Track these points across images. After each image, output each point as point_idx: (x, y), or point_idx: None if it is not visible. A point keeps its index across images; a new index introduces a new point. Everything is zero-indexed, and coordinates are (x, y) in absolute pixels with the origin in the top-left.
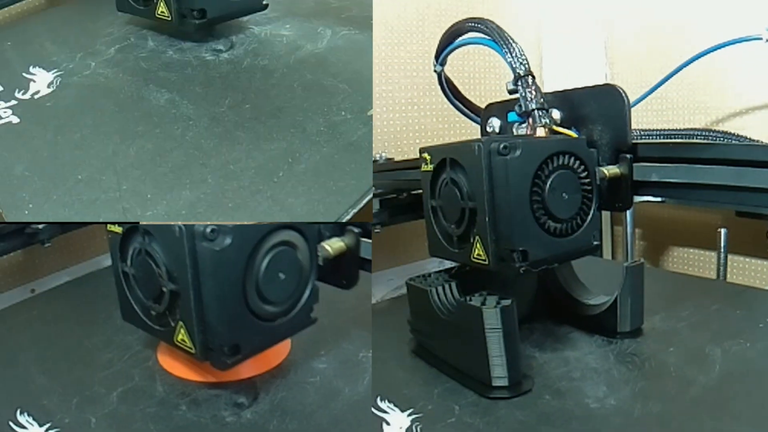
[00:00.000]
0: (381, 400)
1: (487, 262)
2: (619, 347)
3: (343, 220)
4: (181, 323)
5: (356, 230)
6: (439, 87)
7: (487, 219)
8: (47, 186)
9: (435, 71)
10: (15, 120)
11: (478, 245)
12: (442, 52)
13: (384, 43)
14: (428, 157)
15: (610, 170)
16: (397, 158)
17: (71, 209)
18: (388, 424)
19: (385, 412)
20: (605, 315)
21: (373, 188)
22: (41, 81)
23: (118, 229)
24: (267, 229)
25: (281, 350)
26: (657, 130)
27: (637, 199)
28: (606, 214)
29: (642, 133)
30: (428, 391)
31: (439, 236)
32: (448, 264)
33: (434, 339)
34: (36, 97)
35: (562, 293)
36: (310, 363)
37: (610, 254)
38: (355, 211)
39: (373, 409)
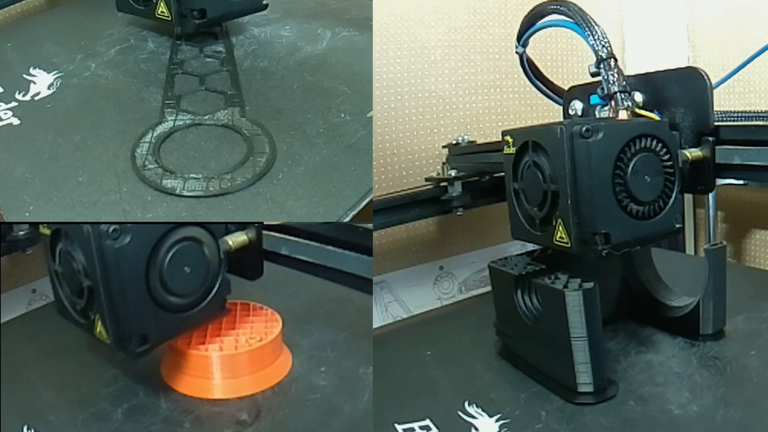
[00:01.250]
0: (469, 404)
1: (569, 245)
2: (701, 350)
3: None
4: (98, 316)
5: (257, 224)
6: (521, 69)
7: (569, 202)
8: (48, 188)
9: (517, 52)
10: (16, 122)
11: (560, 228)
12: (523, 34)
13: (466, 26)
14: (510, 140)
15: (693, 153)
16: (479, 141)
17: (72, 211)
18: (476, 429)
19: (473, 417)
20: (688, 317)
21: (372, 190)
22: (42, 82)
23: (47, 231)
24: (168, 226)
25: (283, 367)
26: (739, 112)
27: (720, 181)
28: (688, 197)
29: (724, 115)
30: (515, 396)
31: (521, 219)
32: (531, 247)
33: (519, 340)
34: (36, 98)
35: (645, 294)
36: (310, 379)
37: (693, 236)
38: (354, 213)
39: (460, 413)
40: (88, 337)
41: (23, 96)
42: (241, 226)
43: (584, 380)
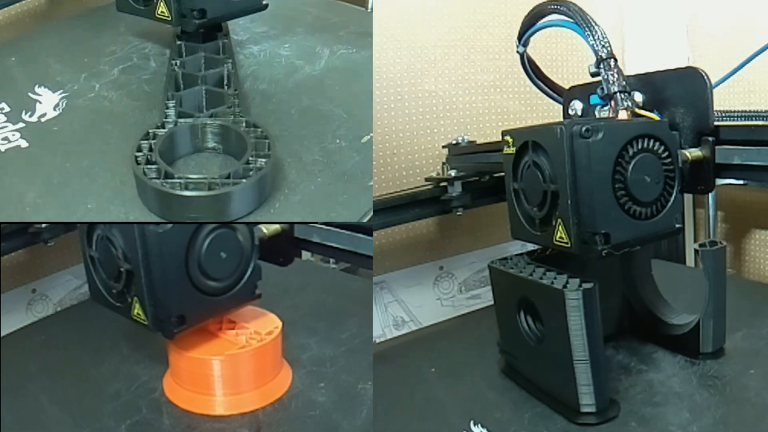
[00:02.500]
0: (474, 424)
1: (569, 245)
2: (701, 369)
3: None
4: (136, 298)
5: None
6: (521, 69)
7: (569, 202)
8: (59, 214)
9: (517, 52)
10: (24, 144)
11: (560, 228)
12: (524, 34)
13: (466, 26)
14: (510, 140)
15: (692, 153)
16: (479, 141)
17: None
18: None
19: None
20: (688, 335)
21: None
22: (47, 103)
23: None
24: None
25: (283, 382)
26: (739, 111)
27: (720, 181)
28: (688, 197)
29: (724, 114)
30: (519, 416)
31: (521, 219)
32: (531, 247)
33: (522, 360)
34: (43, 120)
35: (645, 311)
36: (310, 395)
37: (693, 236)
38: None
39: None
40: (90, 351)
41: (30, 117)
42: None
43: (587, 401)
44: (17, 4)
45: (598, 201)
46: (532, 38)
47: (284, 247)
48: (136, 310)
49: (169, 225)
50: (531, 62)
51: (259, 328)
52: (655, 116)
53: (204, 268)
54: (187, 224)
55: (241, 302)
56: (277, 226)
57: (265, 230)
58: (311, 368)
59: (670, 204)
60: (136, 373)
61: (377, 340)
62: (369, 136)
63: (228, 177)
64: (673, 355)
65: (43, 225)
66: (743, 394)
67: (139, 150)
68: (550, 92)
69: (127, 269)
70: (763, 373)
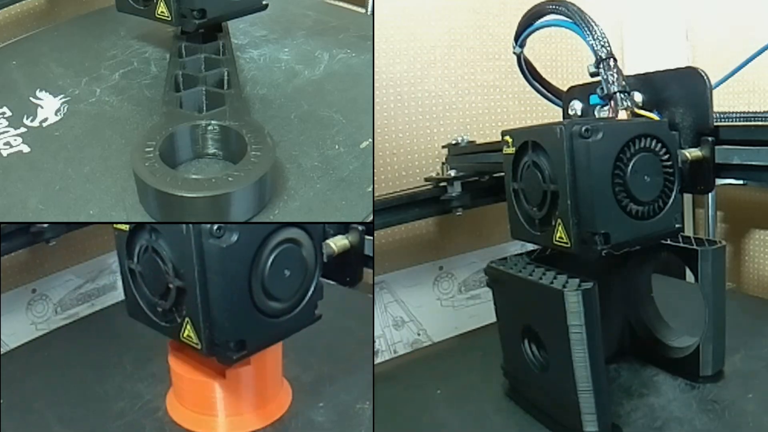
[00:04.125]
0: None
1: (569, 245)
2: (701, 393)
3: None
4: (187, 319)
5: (360, 228)
6: (519, 70)
7: (569, 202)
8: (60, 220)
9: (514, 53)
10: (26, 149)
11: (560, 228)
12: (521, 34)
13: (466, 26)
14: (510, 140)
15: (692, 153)
16: (479, 141)
17: None
18: None
19: None
20: (688, 359)
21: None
22: (48, 107)
23: (125, 227)
24: (273, 227)
25: (283, 402)
26: (738, 112)
27: (719, 181)
28: (688, 197)
29: (723, 115)
30: None
31: (520, 219)
32: (530, 247)
33: (526, 384)
34: (45, 125)
35: (646, 333)
36: (309, 415)
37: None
38: None
39: None
40: (94, 368)
41: (31, 121)
42: (342, 229)
43: (590, 428)
44: (17, 4)
45: (598, 201)
46: (530, 39)
47: (352, 265)
48: (187, 332)
49: (234, 237)
50: (528, 63)
51: None
52: (654, 116)
53: (267, 287)
54: (253, 237)
55: (301, 325)
56: (346, 242)
57: (334, 246)
58: (311, 387)
59: (669, 204)
60: (140, 392)
61: (378, 340)
62: (368, 142)
63: (228, 177)
64: (674, 378)
65: (45, 225)
66: (741, 419)
67: (141, 152)
68: (547, 93)
69: (178, 286)
70: (761, 397)
